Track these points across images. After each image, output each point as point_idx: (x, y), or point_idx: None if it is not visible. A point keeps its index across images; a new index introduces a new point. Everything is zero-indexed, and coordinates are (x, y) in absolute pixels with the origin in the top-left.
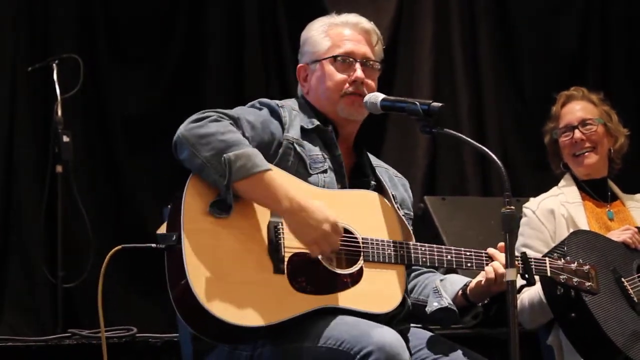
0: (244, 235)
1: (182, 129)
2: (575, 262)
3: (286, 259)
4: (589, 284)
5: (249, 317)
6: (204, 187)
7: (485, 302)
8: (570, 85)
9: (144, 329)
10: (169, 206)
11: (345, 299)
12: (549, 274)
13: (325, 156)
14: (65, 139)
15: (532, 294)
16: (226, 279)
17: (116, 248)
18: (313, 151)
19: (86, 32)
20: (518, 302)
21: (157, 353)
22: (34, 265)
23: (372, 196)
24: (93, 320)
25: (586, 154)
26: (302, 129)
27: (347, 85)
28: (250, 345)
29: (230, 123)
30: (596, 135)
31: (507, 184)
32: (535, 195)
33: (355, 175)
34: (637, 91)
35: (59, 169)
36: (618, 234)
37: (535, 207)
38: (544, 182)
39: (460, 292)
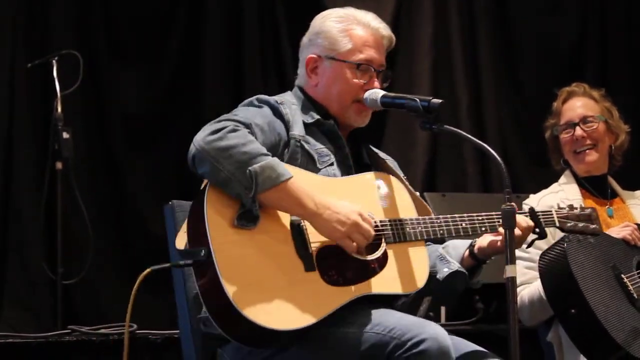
0: (270, 239)
1: (201, 142)
2: (578, 207)
3: (314, 255)
4: (594, 226)
5: (292, 321)
6: (222, 198)
7: (493, 258)
8: (569, 83)
9: (144, 326)
10: (187, 218)
11: (377, 284)
12: (557, 224)
13: (330, 149)
14: (65, 135)
15: (532, 291)
16: (262, 286)
17: (147, 271)
18: (318, 145)
19: (86, 29)
20: (518, 298)
21: (157, 350)
22: (34, 262)
23: (380, 176)
24: (92, 317)
25: (587, 151)
26: (304, 123)
27: (362, 92)
28: None
29: (249, 132)
30: (597, 132)
31: (507, 180)
32: (535, 192)
33: (357, 164)
34: (636, 90)
35: (59, 165)
36: (618, 231)
37: (535, 203)
38: (544, 179)
39: (467, 252)
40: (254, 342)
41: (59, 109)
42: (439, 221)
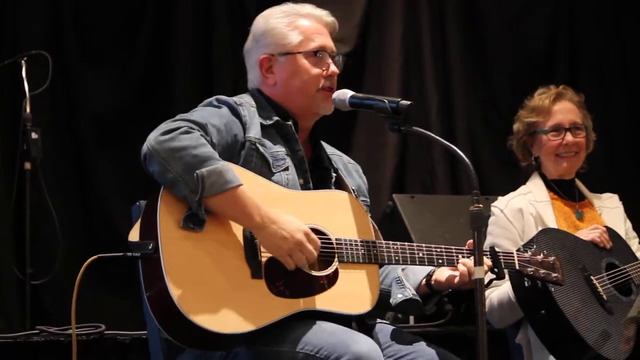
0: (220, 241)
1: (153, 141)
2: (541, 254)
3: (263, 264)
4: (555, 275)
5: (230, 325)
6: (178, 197)
7: (449, 291)
8: (538, 86)
9: (112, 326)
10: (142, 212)
11: (323, 301)
12: (517, 267)
13: (286, 152)
14: (34, 136)
15: (501, 293)
16: (205, 286)
17: (92, 258)
18: (274, 148)
19: (55, 30)
20: (487, 301)
21: (125, 350)
22: (2, 262)
23: (341, 196)
24: (61, 318)
25: (570, 157)
26: (262, 125)
27: (323, 80)
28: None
29: (201, 135)
30: (583, 141)
31: (475, 182)
32: (504, 194)
33: (315, 168)
34: (605, 90)
35: (28, 165)
36: (586, 233)
37: (503, 206)
38: (513, 181)
39: (423, 281)
40: (192, 343)
41: (28, 109)
42: (395, 247)
